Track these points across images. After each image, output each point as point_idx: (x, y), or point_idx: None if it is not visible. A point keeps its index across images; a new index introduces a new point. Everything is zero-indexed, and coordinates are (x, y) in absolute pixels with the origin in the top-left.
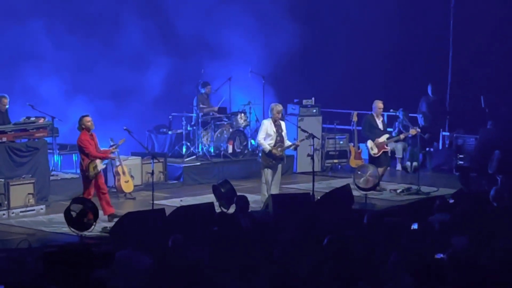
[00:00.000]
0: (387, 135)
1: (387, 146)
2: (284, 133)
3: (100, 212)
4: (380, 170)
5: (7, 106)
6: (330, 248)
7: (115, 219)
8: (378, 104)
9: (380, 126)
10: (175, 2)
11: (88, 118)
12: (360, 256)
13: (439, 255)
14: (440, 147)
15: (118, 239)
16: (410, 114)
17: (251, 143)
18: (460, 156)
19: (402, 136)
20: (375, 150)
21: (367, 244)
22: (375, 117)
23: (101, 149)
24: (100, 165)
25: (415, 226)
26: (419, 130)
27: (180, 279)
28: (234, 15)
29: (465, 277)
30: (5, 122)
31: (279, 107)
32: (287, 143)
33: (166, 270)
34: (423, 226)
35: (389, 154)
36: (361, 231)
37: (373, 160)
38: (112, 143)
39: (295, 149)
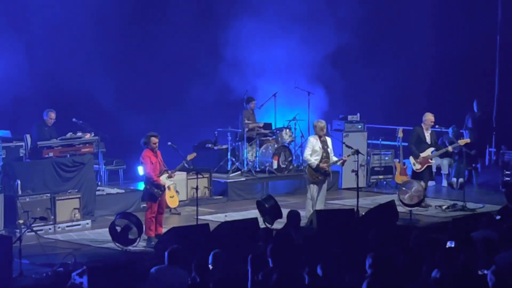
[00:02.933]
0: (431, 149)
1: (431, 160)
2: (330, 149)
3: None
4: (423, 184)
5: (53, 120)
6: (374, 264)
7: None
8: (429, 117)
9: (428, 139)
10: (220, 21)
11: (156, 140)
12: (403, 272)
13: (482, 271)
14: (487, 163)
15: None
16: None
17: (296, 158)
18: (507, 172)
19: (450, 148)
20: (418, 166)
21: (411, 261)
22: (424, 130)
23: (166, 168)
24: (166, 181)
25: (451, 244)
26: (469, 140)
27: None
28: (278, 31)
29: None
30: (52, 136)
31: (322, 123)
32: (333, 158)
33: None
34: (467, 242)
35: (434, 170)
36: (405, 247)
37: (416, 175)
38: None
39: (342, 164)
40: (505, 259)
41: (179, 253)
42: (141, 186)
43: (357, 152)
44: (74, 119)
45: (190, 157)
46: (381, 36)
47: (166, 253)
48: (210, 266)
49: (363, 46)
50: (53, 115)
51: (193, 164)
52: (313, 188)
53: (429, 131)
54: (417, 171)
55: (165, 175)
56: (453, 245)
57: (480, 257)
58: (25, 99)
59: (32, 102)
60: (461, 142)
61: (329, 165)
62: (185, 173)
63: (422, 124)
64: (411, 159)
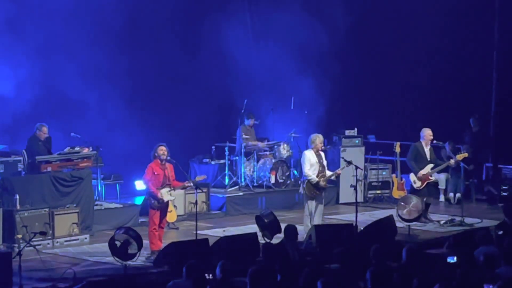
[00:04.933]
0: (431, 165)
1: (431, 176)
2: (325, 163)
3: (145, 242)
4: (424, 200)
5: (46, 135)
6: (373, 280)
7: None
8: (428, 132)
9: (428, 155)
10: (217, 35)
11: (162, 147)
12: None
13: (488, 286)
14: (484, 178)
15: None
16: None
17: (293, 173)
18: (504, 187)
19: (452, 162)
20: (418, 184)
21: (410, 276)
22: (424, 146)
23: (176, 181)
24: (166, 195)
25: (452, 260)
26: (467, 154)
27: None
28: (276, 46)
29: None
30: (49, 151)
31: (321, 137)
32: (328, 172)
33: None
34: (467, 257)
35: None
36: (403, 263)
37: (417, 193)
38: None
39: (337, 177)
40: (509, 273)
41: (196, 268)
42: (141, 199)
43: (350, 163)
44: (72, 134)
45: (198, 178)
46: (379, 51)
47: (184, 268)
48: (220, 275)
49: (360, 61)
50: (45, 129)
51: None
52: (311, 204)
53: (429, 147)
54: (418, 188)
55: (166, 189)
56: (454, 261)
57: (484, 271)
58: (24, 113)
59: (30, 116)
60: (459, 156)
61: (325, 179)
62: None
63: (422, 140)
64: (411, 176)
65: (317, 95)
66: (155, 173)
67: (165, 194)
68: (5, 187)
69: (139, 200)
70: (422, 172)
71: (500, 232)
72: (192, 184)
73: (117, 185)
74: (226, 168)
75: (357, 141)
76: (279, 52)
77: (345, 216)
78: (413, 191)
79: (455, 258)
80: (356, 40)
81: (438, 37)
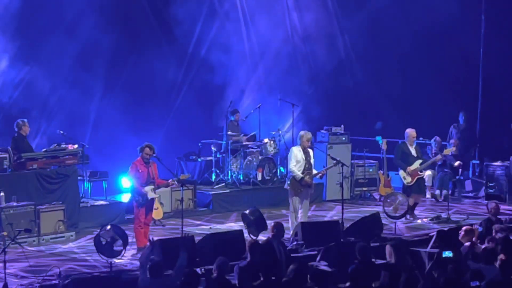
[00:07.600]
0: (419, 161)
1: (421, 172)
2: (312, 161)
3: (131, 239)
4: (414, 197)
5: (29, 128)
6: (358, 277)
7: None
8: (412, 133)
9: (414, 153)
10: (207, 32)
11: (148, 150)
12: (388, 285)
13: (475, 283)
14: (470, 175)
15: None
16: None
17: (280, 170)
18: (490, 184)
19: (438, 158)
20: (409, 179)
21: (395, 273)
22: (408, 145)
23: (160, 179)
24: (150, 193)
25: (447, 254)
26: (454, 148)
27: None
28: (266, 43)
29: None
30: (29, 147)
31: (309, 135)
32: (314, 171)
33: None
34: (455, 254)
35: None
36: (390, 260)
37: (407, 188)
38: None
39: (321, 177)
40: (493, 272)
41: (160, 267)
42: (127, 197)
43: (339, 163)
44: (58, 131)
45: (183, 177)
46: (364, 48)
47: (148, 267)
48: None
49: (348, 60)
50: (27, 123)
51: (177, 176)
52: (296, 200)
53: (414, 145)
54: (408, 184)
55: (150, 187)
56: (450, 255)
57: (470, 269)
58: (8, 111)
59: (16, 113)
60: (446, 151)
61: (311, 177)
62: None
63: (406, 141)
64: (401, 173)
65: (305, 92)
66: (139, 170)
67: (148, 191)
68: None
69: (125, 198)
70: (411, 168)
71: (480, 229)
72: (176, 182)
73: (103, 182)
74: (213, 165)
75: (344, 138)
76: (267, 48)
77: (331, 213)
78: (405, 188)
79: (447, 252)
80: (343, 35)
81: (425, 33)
